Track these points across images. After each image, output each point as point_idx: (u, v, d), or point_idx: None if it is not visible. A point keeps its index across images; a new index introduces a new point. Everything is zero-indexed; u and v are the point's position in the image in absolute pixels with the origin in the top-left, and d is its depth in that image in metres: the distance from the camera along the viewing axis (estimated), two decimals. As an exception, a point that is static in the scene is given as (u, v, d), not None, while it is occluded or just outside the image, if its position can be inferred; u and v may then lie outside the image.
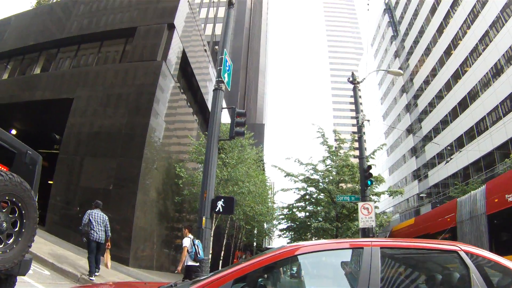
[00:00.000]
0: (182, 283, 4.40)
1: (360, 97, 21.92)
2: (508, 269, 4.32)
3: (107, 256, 13.77)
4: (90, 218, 13.41)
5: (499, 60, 47.58)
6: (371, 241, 4.26)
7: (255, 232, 46.24)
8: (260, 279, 4.63)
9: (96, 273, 13.09)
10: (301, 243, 4.76)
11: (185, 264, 13.22)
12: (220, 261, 30.64)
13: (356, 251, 4.42)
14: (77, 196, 20.32)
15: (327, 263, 4.80)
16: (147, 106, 21.39)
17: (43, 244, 15.31)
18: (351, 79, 20.83)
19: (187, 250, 13.13)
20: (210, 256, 21.31)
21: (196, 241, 13.17)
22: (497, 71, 48.34)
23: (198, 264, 13.30)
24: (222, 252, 31.24)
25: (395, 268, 4.63)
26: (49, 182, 21.25)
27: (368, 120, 20.05)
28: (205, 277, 4.15)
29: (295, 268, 5.81)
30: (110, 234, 13.80)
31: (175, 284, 4.39)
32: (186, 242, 13.18)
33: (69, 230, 19.05)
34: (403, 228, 25.83)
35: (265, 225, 46.66)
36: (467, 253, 4.28)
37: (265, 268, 4.22)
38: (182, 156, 27.31)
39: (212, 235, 24.43)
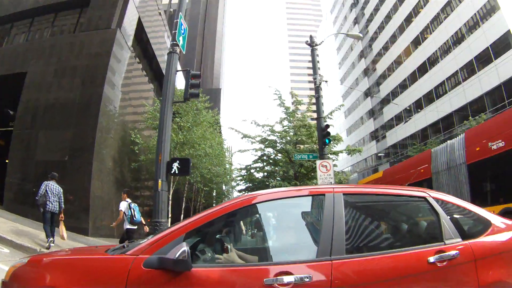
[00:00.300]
0: (134, 242, 4.28)
1: (318, 62, 21.74)
2: (477, 215, 4.37)
3: (61, 228, 13.67)
4: (47, 189, 13.32)
5: (460, 28, 48.85)
6: (333, 187, 4.16)
7: (214, 194, 46.57)
8: (218, 235, 4.53)
9: (52, 244, 12.89)
10: (258, 191, 4.53)
11: (125, 227, 13.96)
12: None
13: (318, 198, 4.30)
14: (33, 171, 19.92)
15: (287, 212, 4.64)
16: (102, 75, 20.94)
17: (2, 223, 15.19)
18: (309, 41, 20.55)
19: (124, 214, 13.82)
20: (169, 219, 21.23)
21: (133, 205, 14.07)
22: (457, 39, 49.52)
23: (136, 227, 14.06)
24: (182, 216, 31.24)
25: (360, 215, 4.43)
26: (6, 161, 21.08)
27: (326, 81, 19.85)
28: (157, 232, 4.06)
29: (254, 220, 5.60)
30: (63, 206, 13.81)
31: (127, 245, 4.22)
32: (123, 206, 14.19)
33: (27, 206, 18.73)
34: (369, 182, 25.31)
35: (224, 187, 47.36)
36: (435, 199, 4.30)
37: (221, 220, 4.08)
38: (138, 123, 27.05)
39: (170, 198, 24.25)
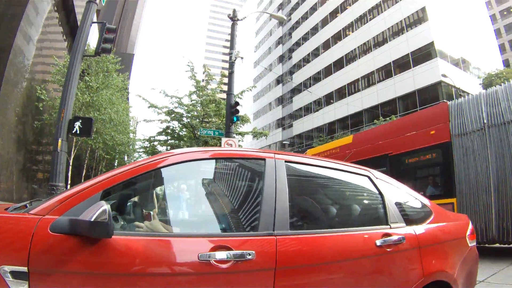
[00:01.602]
0: (39, 201, 3.28)
1: (236, 36, 21.53)
2: (419, 201, 4.48)
3: None
4: None
5: (383, 31, 51.08)
6: (274, 153, 3.77)
7: (115, 164, 45.26)
8: (135, 198, 3.85)
9: None
10: (191, 148, 4.20)
11: None
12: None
13: (256, 163, 3.82)
14: None
15: (220, 176, 4.08)
16: (16, 23, 19.49)
17: None
18: (231, 15, 20.40)
19: None
20: (68, 186, 20.50)
21: None
22: (379, 41, 51.51)
23: None
24: (81, 184, 30.23)
25: (304, 187, 4.25)
26: None
27: (242, 58, 19.69)
28: (67, 190, 3.14)
29: (181, 182, 5.03)
30: None
31: (30, 203, 3.49)
32: None
33: None
34: (329, 151, 18.27)
35: (126, 158, 45.91)
36: (379, 180, 4.29)
37: (144, 178, 3.35)
38: (46, 77, 25.52)
39: (70, 164, 23.53)
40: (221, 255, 2.88)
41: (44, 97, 22.64)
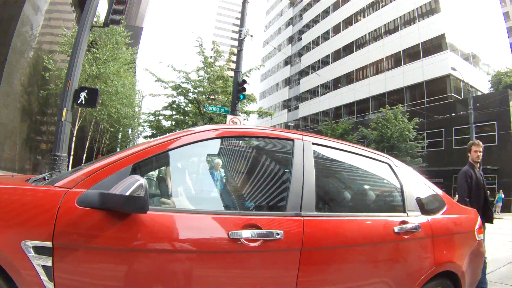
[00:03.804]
0: (59, 173, 3.42)
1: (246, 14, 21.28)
2: (433, 192, 4.52)
3: None
4: None
5: (395, 19, 50.63)
6: (301, 134, 3.73)
7: (119, 137, 45.59)
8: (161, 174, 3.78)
9: None
10: (220, 125, 4.06)
11: None
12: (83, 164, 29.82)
13: (284, 143, 3.74)
14: None
15: (250, 154, 4.07)
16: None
17: None
18: (243, -9, 20.13)
19: None
20: (71, 157, 20.38)
21: None
22: (390, 29, 51.26)
23: None
24: (84, 155, 30.59)
25: (328, 170, 4.26)
26: None
27: (251, 36, 19.43)
28: (93, 163, 3.02)
29: (213, 159, 4.69)
30: None
31: (50, 175, 3.39)
32: None
33: None
34: None
35: (130, 131, 46.02)
36: (399, 168, 4.32)
37: (177, 152, 3.22)
38: (54, 48, 25.23)
39: (74, 135, 23.43)
40: (250, 233, 2.88)
41: (51, 66, 22.42)
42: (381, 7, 53.66)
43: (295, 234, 3.04)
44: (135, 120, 39.80)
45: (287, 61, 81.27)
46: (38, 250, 2.38)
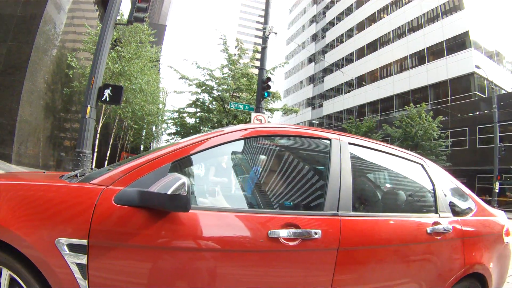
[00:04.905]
0: (94, 171, 3.23)
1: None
2: (465, 194, 4.49)
3: None
4: None
5: (418, 17, 50.29)
6: (338, 134, 3.73)
7: (143, 134, 45.93)
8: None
9: None
10: (258, 124, 4.18)
11: None
12: (106, 162, 30.23)
13: (321, 143, 3.74)
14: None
15: (286, 153, 3.97)
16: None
17: None
18: (267, -12, 20.07)
19: None
20: (95, 154, 20.50)
21: None
22: (413, 27, 50.88)
23: None
24: (108, 152, 30.77)
25: (364, 170, 4.26)
26: None
27: (276, 33, 19.36)
28: (129, 160, 3.02)
29: (249, 158, 4.47)
30: None
31: (83, 172, 3.32)
32: None
33: None
34: None
35: (154, 128, 46.15)
36: (431, 168, 4.30)
37: (210, 152, 3.16)
38: (77, 46, 25.57)
39: (98, 132, 23.56)
40: (289, 232, 2.85)
41: (74, 64, 22.59)
42: (405, 4, 53.25)
43: (332, 234, 3.03)
44: (159, 117, 39.93)
45: (311, 59, 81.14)
46: (73, 248, 2.38)
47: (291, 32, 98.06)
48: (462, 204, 4.38)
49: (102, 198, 2.50)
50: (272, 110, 28.62)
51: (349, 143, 3.65)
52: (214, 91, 27.85)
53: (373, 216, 3.53)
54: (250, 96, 27.02)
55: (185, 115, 30.69)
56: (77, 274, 2.39)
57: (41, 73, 20.30)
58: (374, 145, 3.99)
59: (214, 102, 28.62)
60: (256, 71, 21.05)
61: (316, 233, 2.92)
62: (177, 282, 2.60)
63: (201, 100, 29.03)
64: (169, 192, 2.37)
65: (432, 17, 48.33)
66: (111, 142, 31.26)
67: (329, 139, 3.56)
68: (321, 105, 73.72)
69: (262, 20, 20.51)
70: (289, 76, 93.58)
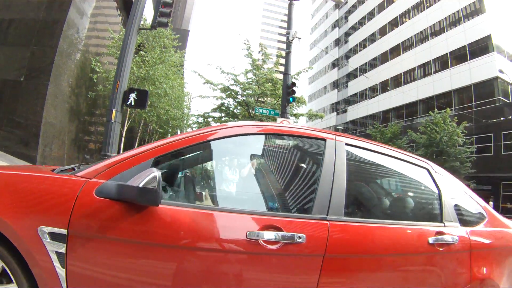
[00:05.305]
0: (87, 165, 3.15)
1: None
2: (474, 202, 4.10)
3: None
4: None
5: (440, 20, 49.72)
6: (334, 134, 3.58)
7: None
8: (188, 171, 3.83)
9: None
10: (245, 122, 3.82)
11: None
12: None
13: (316, 143, 3.61)
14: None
15: (276, 153, 3.87)
16: (68, -3, 19.92)
17: None
18: (288, -6, 20.09)
19: None
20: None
21: None
22: (436, 31, 50.33)
23: None
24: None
25: (361, 173, 4.05)
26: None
27: (299, 38, 19.32)
28: (116, 155, 3.09)
29: (234, 156, 4.58)
30: None
31: (79, 166, 3.40)
32: None
33: None
34: None
35: (179, 132, 46.42)
36: (438, 174, 3.99)
37: (194, 149, 3.30)
38: (101, 50, 25.76)
39: (123, 135, 23.68)
40: (270, 235, 2.77)
41: (98, 69, 22.83)
42: (426, 8, 52.80)
43: (318, 239, 2.90)
44: (184, 122, 40.26)
45: (335, 64, 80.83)
46: (54, 236, 2.49)
47: (314, 37, 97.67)
48: (471, 213, 4.08)
49: (84, 190, 2.61)
50: (297, 115, 28.49)
51: (347, 144, 3.51)
52: (239, 96, 27.96)
53: (368, 222, 3.31)
54: (275, 101, 27.02)
55: (210, 119, 30.91)
56: (56, 263, 2.49)
57: (65, 76, 20.43)
58: (375, 147, 3.80)
59: (239, 107, 28.63)
60: (280, 75, 21.05)
61: (300, 237, 2.82)
62: (149, 279, 2.62)
63: (226, 105, 29.20)
64: (140, 185, 2.46)
65: (454, 21, 47.70)
66: (136, 146, 31.25)
67: (324, 139, 3.45)
68: (345, 111, 73.33)
69: (284, 24, 20.62)
70: (313, 81, 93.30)
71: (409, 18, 56.18)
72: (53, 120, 19.39)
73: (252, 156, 4.03)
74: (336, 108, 78.88)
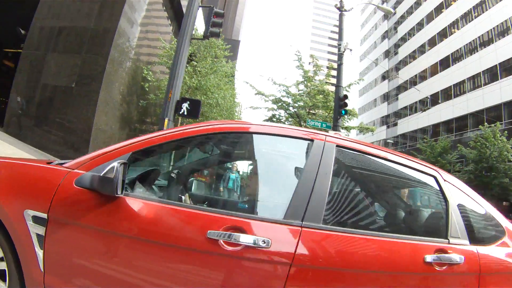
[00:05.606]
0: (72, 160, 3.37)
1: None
2: (491, 216, 3.50)
3: None
4: None
5: (489, 31, 48.60)
6: (325, 135, 3.33)
7: (218, 149, 46.02)
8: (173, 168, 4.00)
9: None
10: (228, 121, 3.89)
11: None
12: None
13: (302, 144, 3.36)
14: (38, 95, 19.35)
15: (257, 153, 3.87)
16: (119, 8, 20.09)
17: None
18: (338, 5, 20.08)
19: None
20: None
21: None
22: (485, 41, 49.22)
23: None
24: (181, 169, 30.69)
25: (351, 178, 3.58)
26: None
27: (351, 50, 19.23)
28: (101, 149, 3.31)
29: (215, 156, 4.54)
30: None
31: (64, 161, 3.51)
32: None
33: (27, 130, 18.58)
34: None
35: None
36: (447, 182, 3.46)
37: (174, 145, 3.40)
38: (152, 59, 26.15)
39: (174, 145, 23.88)
40: (231, 236, 2.67)
41: (150, 77, 23.19)
42: (474, 18, 51.89)
43: (286, 245, 2.69)
44: (235, 134, 40.26)
45: (384, 76, 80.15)
46: (36, 219, 2.84)
47: (364, 48, 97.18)
48: (485, 230, 3.49)
49: (66, 179, 2.94)
50: (348, 128, 28.09)
51: (337, 146, 3.23)
52: (290, 108, 27.93)
53: (351, 233, 2.89)
54: (326, 114, 26.82)
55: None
56: (36, 244, 2.82)
57: (116, 84, 20.76)
58: (374, 151, 3.43)
59: (290, 119, 28.54)
60: (331, 87, 20.95)
61: (264, 242, 2.63)
62: (114, 265, 2.81)
63: (277, 116, 29.15)
64: (101, 174, 2.70)
65: (502, 31, 46.83)
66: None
67: (312, 140, 3.24)
68: (395, 124, 72.44)
69: (334, 36, 20.56)
70: (363, 93, 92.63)
71: (458, 29, 55.47)
72: (104, 127, 19.69)
73: (230, 155, 4.21)
74: (386, 121, 78.09)
